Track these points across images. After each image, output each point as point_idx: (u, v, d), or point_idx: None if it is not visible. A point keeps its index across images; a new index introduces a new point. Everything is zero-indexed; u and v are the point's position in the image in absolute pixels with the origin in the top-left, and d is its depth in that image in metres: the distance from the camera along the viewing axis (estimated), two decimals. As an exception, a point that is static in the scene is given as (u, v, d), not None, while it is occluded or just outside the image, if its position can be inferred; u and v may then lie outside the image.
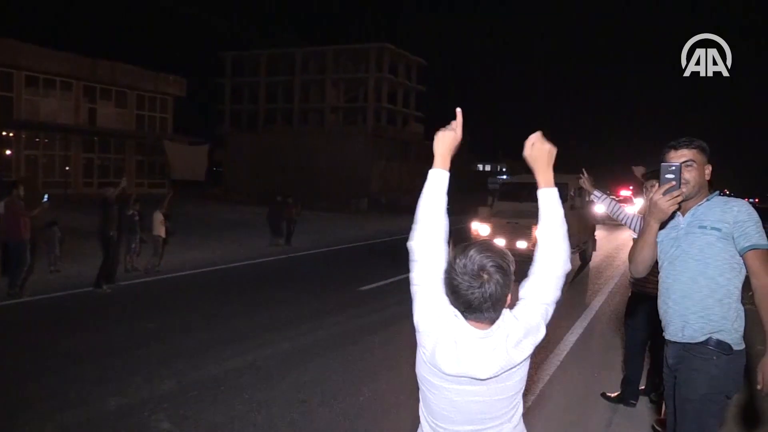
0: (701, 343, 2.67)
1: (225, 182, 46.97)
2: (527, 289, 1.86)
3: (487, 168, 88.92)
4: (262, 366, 6.12)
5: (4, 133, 26.11)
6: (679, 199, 2.56)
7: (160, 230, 11.84)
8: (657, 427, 4.44)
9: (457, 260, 1.72)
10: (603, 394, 5.34)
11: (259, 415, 4.86)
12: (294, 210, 17.21)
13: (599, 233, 18.52)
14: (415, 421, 4.31)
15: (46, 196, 9.59)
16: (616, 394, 5.25)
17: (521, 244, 11.33)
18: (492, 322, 1.76)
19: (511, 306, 1.83)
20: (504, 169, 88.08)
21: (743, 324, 2.69)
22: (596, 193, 5.13)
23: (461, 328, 1.76)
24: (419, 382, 1.90)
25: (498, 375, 1.75)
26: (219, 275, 12.03)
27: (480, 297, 1.69)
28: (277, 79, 49.16)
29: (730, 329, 2.65)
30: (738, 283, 2.68)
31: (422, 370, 1.86)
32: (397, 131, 49.19)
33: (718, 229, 2.66)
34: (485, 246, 1.75)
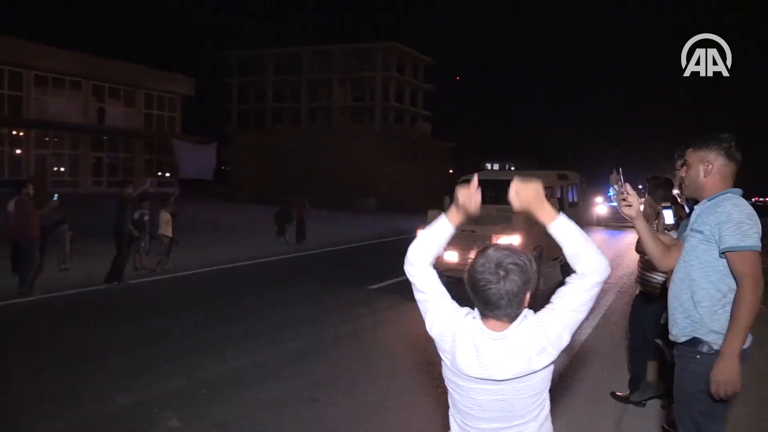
0: (686, 342, 2.73)
1: (232, 181, 47.05)
2: (558, 295, 1.89)
3: (495, 167, 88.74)
4: (271, 364, 6.12)
5: (14, 132, 26.27)
6: (622, 197, 2.83)
7: (167, 230, 11.85)
8: (667, 428, 4.42)
9: (478, 259, 1.82)
10: (612, 394, 5.31)
11: (267, 413, 4.86)
12: (305, 209, 17.24)
13: (603, 236, 18.28)
14: (423, 420, 4.29)
15: (56, 195, 9.63)
16: (625, 393, 5.22)
17: None
18: (510, 319, 1.81)
19: (532, 306, 1.88)
20: (512, 168, 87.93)
21: None
22: (616, 187, 5.13)
23: (478, 329, 1.83)
24: (446, 383, 2.01)
25: (517, 377, 1.81)
26: (227, 274, 12.06)
27: (497, 293, 1.76)
28: (285, 79, 49.26)
29: (714, 330, 2.63)
30: (725, 285, 2.64)
31: (447, 373, 1.96)
32: (404, 130, 49.19)
33: (701, 232, 2.68)
34: (503, 245, 1.86)
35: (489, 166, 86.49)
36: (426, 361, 6.33)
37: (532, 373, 1.82)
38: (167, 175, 31.68)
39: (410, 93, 50.52)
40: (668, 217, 3.52)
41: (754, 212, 2.61)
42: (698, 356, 2.66)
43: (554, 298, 1.89)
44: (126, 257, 10.47)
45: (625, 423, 4.84)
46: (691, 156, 2.78)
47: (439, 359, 2.00)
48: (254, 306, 8.96)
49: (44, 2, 76.95)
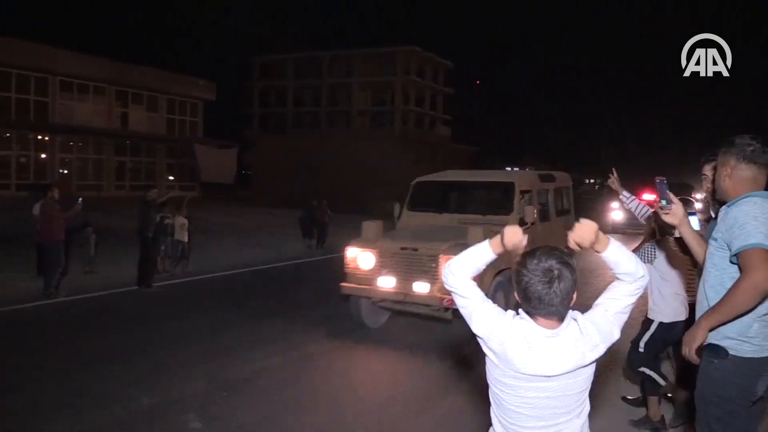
0: (705, 348, 2.70)
1: (253, 185, 47.36)
2: (605, 297, 2.01)
3: (515, 170, 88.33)
4: (291, 368, 6.16)
5: (39, 137, 26.71)
6: (666, 211, 2.79)
7: (183, 235, 11.89)
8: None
9: (527, 261, 1.90)
10: (623, 398, 5.28)
11: (288, 416, 4.89)
12: (326, 213, 17.29)
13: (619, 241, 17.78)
14: (439, 425, 4.28)
15: (80, 198, 9.78)
16: (636, 397, 5.18)
17: (420, 287, 6.87)
18: (561, 318, 1.91)
19: (578, 306, 1.97)
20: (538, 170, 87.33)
21: (753, 331, 2.58)
22: (625, 194, 5.15)
23: (530, 327, 1.91)
24: (491, 385, 2.06)
25: (568, 372, 1.89)
26: (248, 277, 12.14)
27: (551, 292, 1.85)
28: (305, 83, 49.44)
29: (729, 336, 2.60)
30: None
31: (494, 373, 2.01)
32: (424, 134, 49.11)
33: (715, 239, 2.68)
34: (551, 248, 1.93)
35: (509, 169, 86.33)
36: (453, 359, 6.32)
37: (583, 367, 1.92)
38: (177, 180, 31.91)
39: (430, 97, 50.44)
40: (694, 223, 3.47)
41: (764, 214, 2.53)
42: (715, 361, 2.64)
43: (602, 300, 2.00)
44: (152, 260, 10.59)
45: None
46: (718, 160, 2.78)
47: (482, 361, 2.07)
48: (273, 309, 9.01)
49: (69, 9, 78.24)
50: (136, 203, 11.81)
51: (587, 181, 78.04)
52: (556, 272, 1.85)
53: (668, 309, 4.54)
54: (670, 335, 4.55)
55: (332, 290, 10.55)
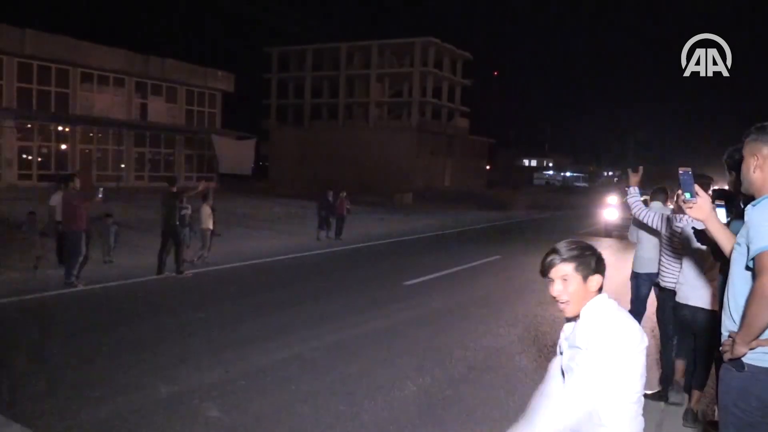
0: None
1: (270, 176, 47.57)
2: None
3: (533, 163, 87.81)
4: (308, 358, 6.18)
5: (60, 128, 27.00)
6: (690, 205, 2.54)
7: (208, 223, 12.07)
8: (710, 429, 4.32)
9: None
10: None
11: (305, 406, 4.91)
12: (346, 204, 17.31)
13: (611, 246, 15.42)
14: (460, 415, 4.26)
15: (100, 191, 9.88)
16: (655, 391, 5.14)
17: None
18: None
19: None
20: (551, 164, 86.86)
21: None
22: (633, 190, 5.26)
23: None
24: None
25: None
26: (266, 267, 12.20)
27: None
28: (323, 74, 49.49)
29: None
30: None
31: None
32: (441, 126, 48.97)
33: (739, 244, 2.50)
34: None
35: (526, 162, 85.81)
36: (462, 357, 6.31)
37: None
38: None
39: (448, 89, 50.24)
40: (721, 215, 3.43)
41: None
42: (733, 370, 2.50)
43: None
44: (180, 251, 10.85)
45: (665, 424, 4.75)
46: (745, 148, 2.53)
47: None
48: (291, 299, 9.05)
49: (89, 1, 78.81)
50: (156, 194, 11.99)
51: (606, 173, 77.43)
52: None
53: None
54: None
55: (349, 282, 10.63)
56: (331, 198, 16.95)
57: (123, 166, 28.68)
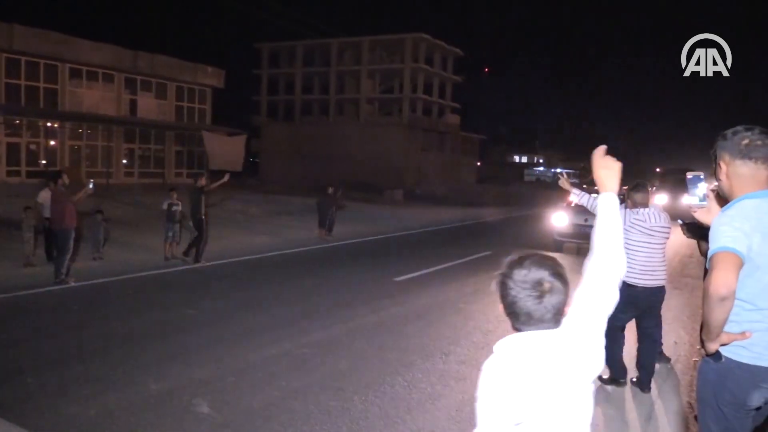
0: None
1: (261, 173, 47.46)
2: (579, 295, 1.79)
3: (524, 159, 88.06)
4: (298, 354, 6.20)
5: (49, 124, 26.81)
6: (695, 210, 2.60)
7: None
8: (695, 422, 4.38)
9: (515, 271, 1.69)
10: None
11: (295, 402, 4.93)
12: (340, 200, 17.26)
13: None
14: (450, 410, 4.31)
15: (91, 182, 9.82)
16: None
17: None
18: None
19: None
20: (541, 161, 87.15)
21: (754, 337, 2.41)
22: (575, 191, 5.39)
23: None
24: None
25: None
26: (257, 264, 12.19)
27: (542, 308, 1.66)
28: (313, 70, 49.36)
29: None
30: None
31: None
32: (432, 122, 48.99)
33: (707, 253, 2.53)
34: (541, 257, 1.74)
35: (516, 158, 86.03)
36: (452, 352, 6.35)
37: None
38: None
39: (439, 85, 50.23)
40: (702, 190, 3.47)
41: (746, 215, 2.34)
42: (711, 362, 2.53)
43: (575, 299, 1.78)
44: (203, 240, 11.66)
45: (654, 417, 4.81)
46: (714, 156, 2.54)
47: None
48: (281, 296, 9.05)
49: (78, -4, 78.21)
50: (142, 190, 12.12)
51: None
52: (547, 285, 1.65)
53: None
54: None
55: (339, 278, 10.65)
56: (331, 192, 16.88)
57: (112, 162, 28.51)
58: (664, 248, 5.19)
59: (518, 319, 1.69)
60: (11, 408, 4.60)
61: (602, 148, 1.96)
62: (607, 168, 1.93)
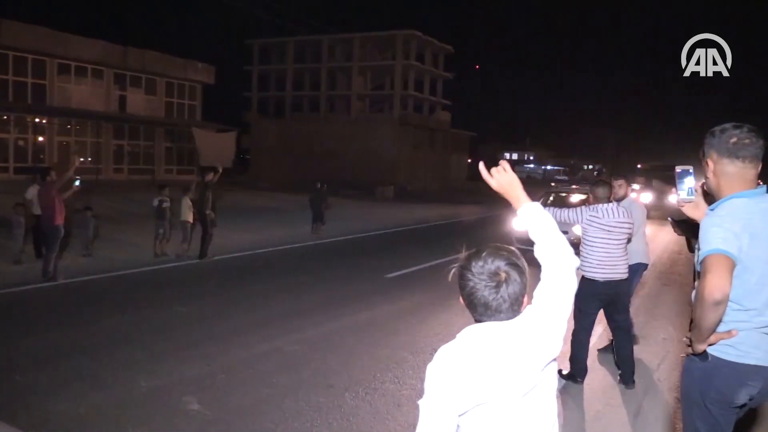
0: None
1: (251, 169, 47.30)
2: (540, 290, 1.79)
3: (515, 156, 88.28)
4: (289, 351, 6.20)
5: (37, 120, 26.60)
6: (683, 204, 2.60)
7: (188, 215, 11.96)
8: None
9: (472, 263, 1.70)
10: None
11: (285, 399, 4.94)
12: (325, 196, 17.32)
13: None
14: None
15: (77, 179, 9.75)
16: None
17: None
18: None
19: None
20: (531, 158, 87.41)
21: (740, 336, 2.40)
22: (520, 211, 5.32)
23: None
24: None
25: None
26: (247, 261, 12.16)
27: (499, 297, 1.66)
28: (304, 67, 49.18)
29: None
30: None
31: None
32: (423, 119, 48.95)
33: (698, 248, 2.51)
34: (498, 247, 1.74)
35: (507, 155, 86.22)
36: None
37: None
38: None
39: (430, 81, 50.20)
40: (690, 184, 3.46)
41: (736, 215, 2.33)
42: (697, 360, 2.52)
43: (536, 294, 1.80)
44: (209, 236, 11.73)
45: (642, 413, 4.84)
46: (702, 153, 2.52)
47: None
48: (272, 293, 9.04)
49: (67, -10, 77.64)
50: (132, 187, 12.05)
51: (586, 167, 78.09)
52: (503, 275, 1.65)
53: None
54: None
55: (330, 275, 10.64)
56: (320, 187, 16.97)
57: (101, 158, 28.33)
58: (624, 243, 5.16)
59: (476, 309, 1.70)
60: (0, 406, 4.58)
61: (481, 168, 1.97)
62: (501, 186, 1.95)
